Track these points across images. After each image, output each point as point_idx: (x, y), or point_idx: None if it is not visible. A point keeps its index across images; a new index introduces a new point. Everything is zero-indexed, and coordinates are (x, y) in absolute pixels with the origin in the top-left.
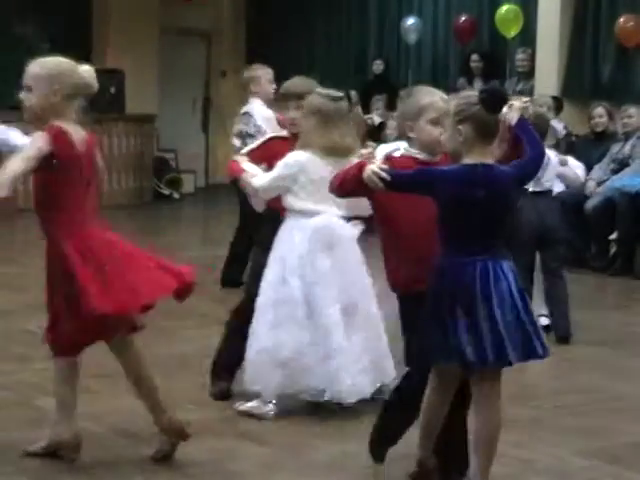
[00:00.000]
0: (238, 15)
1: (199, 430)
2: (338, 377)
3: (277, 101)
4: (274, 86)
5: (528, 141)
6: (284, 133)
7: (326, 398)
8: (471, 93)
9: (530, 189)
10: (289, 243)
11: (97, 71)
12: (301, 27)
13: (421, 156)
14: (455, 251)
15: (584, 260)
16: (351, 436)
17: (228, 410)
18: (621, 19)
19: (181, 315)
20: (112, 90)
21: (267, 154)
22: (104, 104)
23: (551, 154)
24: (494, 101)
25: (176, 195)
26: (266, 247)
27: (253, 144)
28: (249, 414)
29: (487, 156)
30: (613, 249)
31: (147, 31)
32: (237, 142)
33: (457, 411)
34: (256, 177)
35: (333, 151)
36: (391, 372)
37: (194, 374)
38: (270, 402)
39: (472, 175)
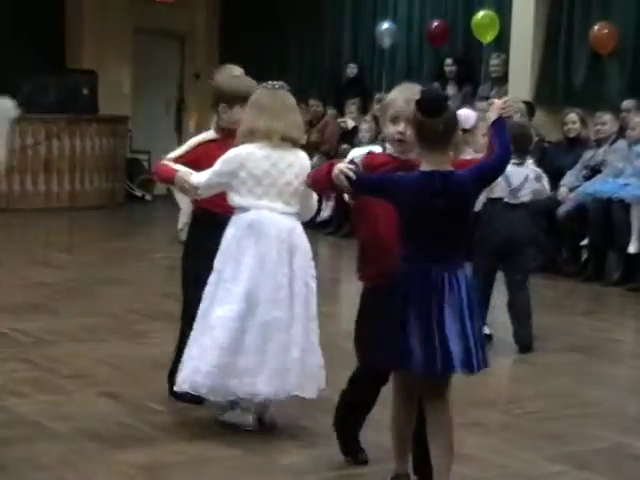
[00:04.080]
0: (212, 17)
1: (169, 433)
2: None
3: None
4: None
5: (499, 143)
6: (212, 135)
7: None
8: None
9: (505, 199)
10: (225, 238)
11: (71, 72)
12: (275, 30)
13: (393, 153)
14: (411, 257)
15: (556, 265)
16: (323, 440)
17: (198, 413)
18: (595, 26)
19: (150, 317)
20: (85, 91)
21: (193, 158)
22: (77, 105)
23: (529, 170)
24: (429, 104)
25: (148, 197)
26: (198, 250)
27: (177, 150)
28: (229, 424)
29: (444, 162)
30: (585, 255)
31: (121, 32)
32: None
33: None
34: (194, 175)
35: (272, 136)
36: (294, 383)
37: (164, 376)
38: (251, 411)
39: (428, 183)
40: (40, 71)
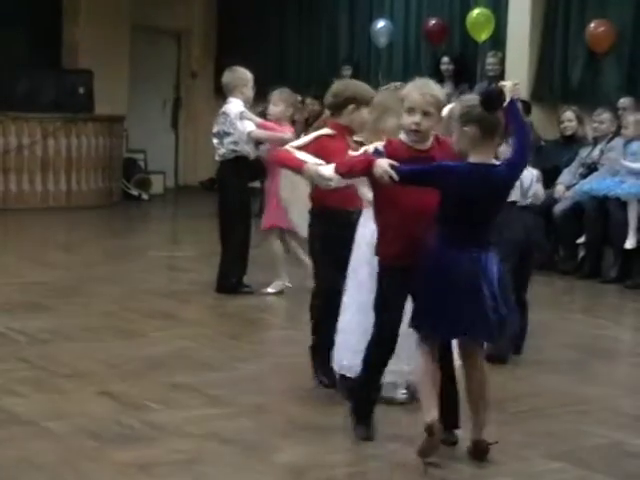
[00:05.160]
0: (209, 16)
1: (165, 431)
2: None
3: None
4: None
5: (515, 129)
6: (329, 131)
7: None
8: (472, 97)
9: (518, 203)
10: (361, 234)
11: (66, 71)
12: (272, 28)
13: (409, 142)
14: (451, 241)
15: (552, 263)
16: (317, 437)
17: (194, 411)
18: (591, 24)
19: (147, 316)
20: (81, 90)
21: (320, 150)
22: (73, 104)
23: (534, 171)
24: (492, 101)
25: (145, 196)
26: (327, 238)
27: (302, 140)
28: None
29: (490, 154)
30: (581, 253)
31: (117, 31)
32: (215, 141)
33: (443, 372)
34: (325, 166)
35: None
36: None
37: (162, 375)
38: (402, 388)
39: (475, 174)
40: (36, 70)
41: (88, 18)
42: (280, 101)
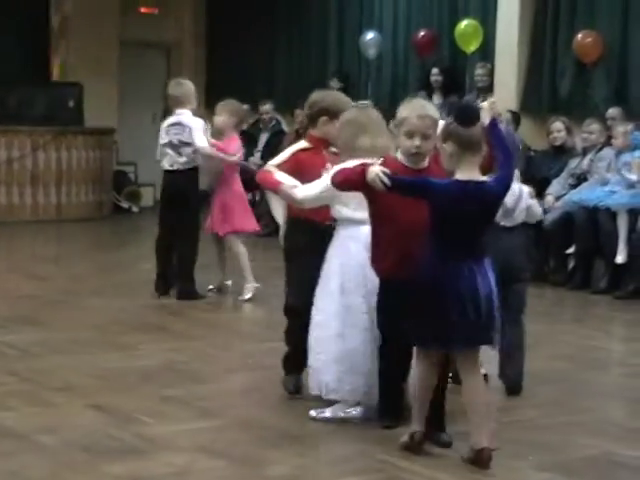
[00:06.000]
0: (198, 28)
1: (156, 444)
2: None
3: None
4: None
5: (498, 147)
6: (305, 145)
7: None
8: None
9: (501, 223)
10: (346, 253)
11: (56, 84)
12: (261, 40)
13: (406, 163)
14: (443, 254)
15: (543, 274)
16: (308, 450)
17: (184, 424)
18: (579, 35)
19: (137, 329)
20: (71, 103)
21: (296, 166)
22: (63, 117)
23: (524, 187)
24: (465, 116)
25: (135, 209)
26: (305, 255)
27: (280, 156)
28: (330, 419)
29: (475, 170)
30: (571, 263)
31: (106, 44)
32: (169, 151)
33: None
34: (298, 188)
35: (373, 153)
36: None
37: (152, 388)
38: (354, 406)
39: (464, 192)
40: (26, 83)
41: (77, 31)
42: (224, 111)
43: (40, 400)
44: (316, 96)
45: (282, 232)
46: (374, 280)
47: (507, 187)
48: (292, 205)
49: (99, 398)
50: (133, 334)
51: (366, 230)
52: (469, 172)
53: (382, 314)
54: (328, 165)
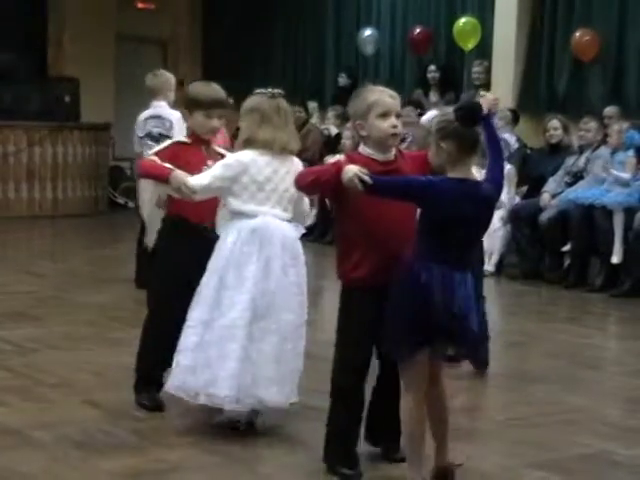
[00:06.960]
0: (195, 23)
1: (151, 441)
2: (217, 383)
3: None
4: None
5: (491, 145)
6: (185, 139)
7: (202, 401)
8: (449, 110)
9: None
10: (222, 242)
11: (52, 79)
12: (258, 36)
13: (376, 156)
14: (432, 259)
15: (538, 272)
16: (302, 448)
17: (178, 420)
18: (577, 33)
19: (132, 325)
20: (67, 99)
21: (172, 157)
22: (59, 113)
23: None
24: (469, 116)
25: (131, 204)
26: (170, 255)
27: (160, 146)
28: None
29: (468, 171)
30: (567, 261)
31: (103, 39)
32: (149, 142)
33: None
34: (191, 177)
35: (273, 146)
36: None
37: None
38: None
39: (460, 191)
40: (22, 79)
41: (74, 26)
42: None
43: (35, 396)
44: (191, 86)
45: (150, 230)
46: (237, 277)
47: (501, 187)
48: (174, 200)
49: (94, 394)
50: (128, 330)
51: (252, 223)
52: (464, 172)
53: (356, 331)
54: (209, 162)
